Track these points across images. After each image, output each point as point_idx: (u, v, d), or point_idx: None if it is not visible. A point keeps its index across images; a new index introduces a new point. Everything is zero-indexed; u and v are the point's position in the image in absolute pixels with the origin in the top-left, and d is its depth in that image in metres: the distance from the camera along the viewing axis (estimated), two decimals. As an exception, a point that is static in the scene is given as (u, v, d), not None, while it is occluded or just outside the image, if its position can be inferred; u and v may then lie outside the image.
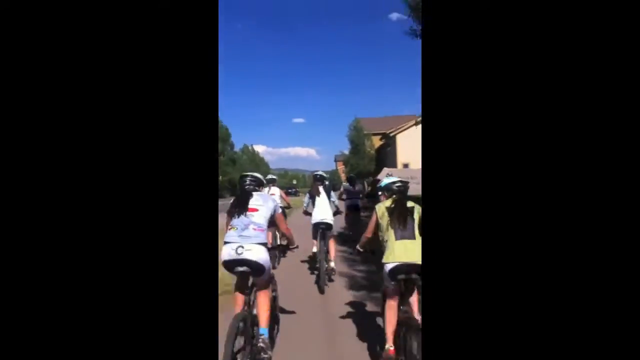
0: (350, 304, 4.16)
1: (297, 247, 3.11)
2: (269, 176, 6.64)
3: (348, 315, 3.78)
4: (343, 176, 76.69)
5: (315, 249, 5.47)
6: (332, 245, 5.30)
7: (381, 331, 2.63)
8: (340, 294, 4.54)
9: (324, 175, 5.80)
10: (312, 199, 5.45)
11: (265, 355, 2.46)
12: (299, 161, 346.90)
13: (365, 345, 3.10)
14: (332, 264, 5.15)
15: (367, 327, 3.45)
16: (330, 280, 4.99)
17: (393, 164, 24.18)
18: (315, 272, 5.24)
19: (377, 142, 33.14)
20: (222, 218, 2.33)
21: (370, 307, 4.03)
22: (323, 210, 5.25)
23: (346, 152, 40.09)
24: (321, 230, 5.10)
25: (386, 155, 29.55)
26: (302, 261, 6.37)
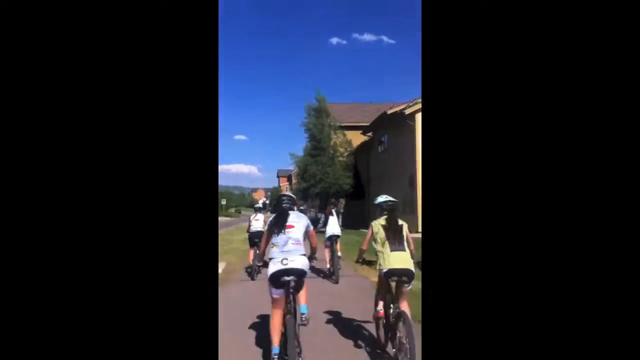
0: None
1: (316, 258, 3.54)
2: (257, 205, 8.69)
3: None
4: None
5: (327, 255, 7.26)
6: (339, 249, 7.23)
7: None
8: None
9: (335, 200, 8.86)
10: (326, 217, 7.47)
11: (307, 323, 3.21)
12: (241, 178, 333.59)
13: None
14: (340, 254, 7.17)
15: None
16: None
17: (410, 163, 13.22)
18: (319, 274, 7.32)
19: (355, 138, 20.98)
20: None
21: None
22: (334, 226, 7.23)
23: (290, 167, 31.99)
24: (333, 240, 7.09)
25: (377, 159, 18.64)
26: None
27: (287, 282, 2.85)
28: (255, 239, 7.33)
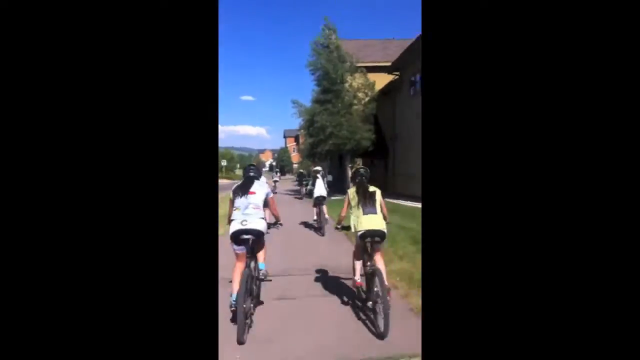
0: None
1: (281, 224, 4.01)
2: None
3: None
4: (294, 156, 67.15)
5: (315, 215, 8.69)
6: (325, 210, 8.47)
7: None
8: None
9: (319, 169, 9.80)
10: (313, 181, 9.24)
11: (268, 279, 3.68)
12: (249, 140, 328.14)
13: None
14: (327, 217, 8.37)
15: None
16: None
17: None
18: (308, 228, 8.72)
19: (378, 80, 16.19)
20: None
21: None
22: (320, 189, 8.61)
23: (297, 128, 27.92)
24: (320, 201, 8.37)
25: (406, 105, 15.24)
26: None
27: (246, 240, 3.30)
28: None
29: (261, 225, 3.32)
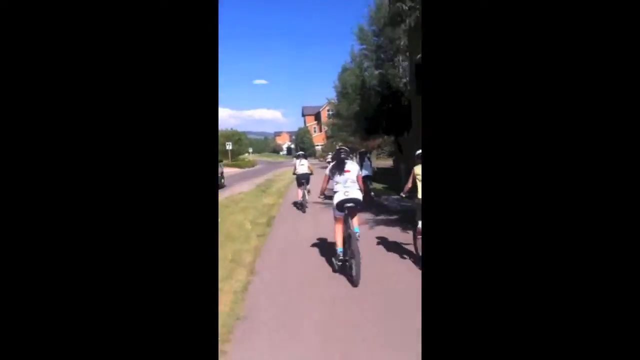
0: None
1: (367, 193, 5.51)
2: (300, 152, 10.93)
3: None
4: (317, 137, 59.09)
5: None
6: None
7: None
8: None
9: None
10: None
11: (358, 240, 4.28)
12: (265, 124, 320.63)
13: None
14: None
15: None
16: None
17: None
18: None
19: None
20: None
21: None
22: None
23: (317, 104, 27.04)
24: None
25: None
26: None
27: (348, 207, 4.29)
28: (302, 180, 9.47)
29: (359, 194, 4.34)
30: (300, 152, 10.69)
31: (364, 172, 8.29)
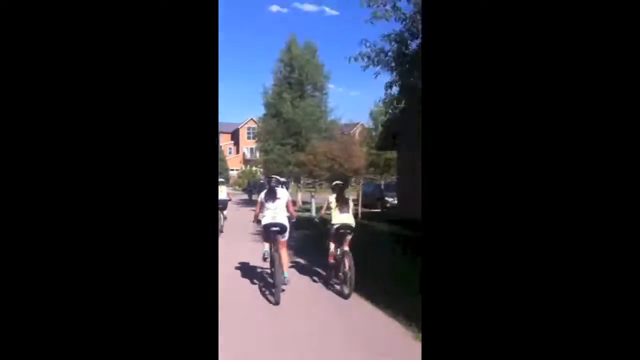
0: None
1: (294, 218, 5.21)
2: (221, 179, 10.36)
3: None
4: (231, 160, 49.47)
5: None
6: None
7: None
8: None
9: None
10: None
11: (285, 285, 4.65)
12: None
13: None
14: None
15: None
16: None
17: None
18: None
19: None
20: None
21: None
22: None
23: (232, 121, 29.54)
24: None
25: None
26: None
27: (273, 231, 4.74)
28: (220, 205, 9.00)
29: (285, 222, 4.80)
30: (221, 180, 10.36)
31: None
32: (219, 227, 9.39)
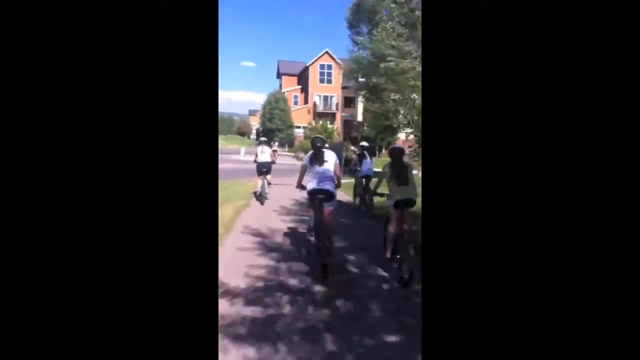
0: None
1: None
2: (262, 138, 10.20)
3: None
4: (297, 111, 35.80)
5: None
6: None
7: None
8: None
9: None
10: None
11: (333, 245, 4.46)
12: (243, 105, 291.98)
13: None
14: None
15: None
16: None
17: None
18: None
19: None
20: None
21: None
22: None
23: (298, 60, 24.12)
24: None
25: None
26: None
27: (319, 198, 4.17)
28: (263, 169, 8.60)
29: (333, 187, 4.24)
30: (263, 139, 9.93)
31: (364, 171, 7.87)
32: (263, 195, 8.65)
